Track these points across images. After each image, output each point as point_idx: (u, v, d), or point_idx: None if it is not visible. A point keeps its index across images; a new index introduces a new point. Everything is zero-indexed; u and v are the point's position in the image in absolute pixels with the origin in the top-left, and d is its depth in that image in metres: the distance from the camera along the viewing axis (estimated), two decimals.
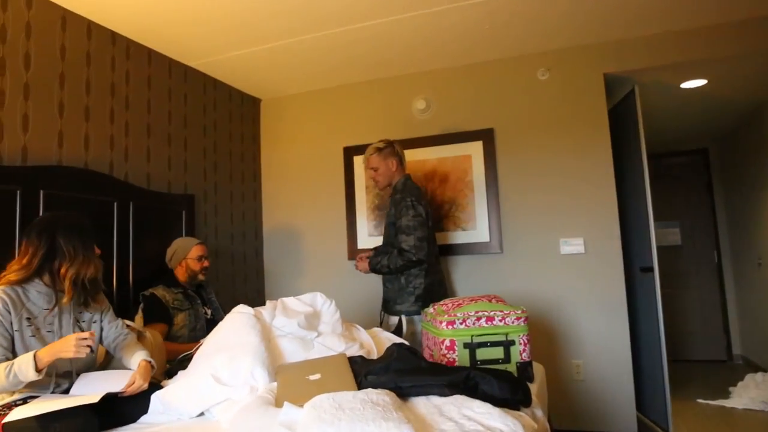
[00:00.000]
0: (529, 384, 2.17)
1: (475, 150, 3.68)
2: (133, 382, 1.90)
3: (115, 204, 2.88)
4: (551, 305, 3.48)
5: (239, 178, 4.08)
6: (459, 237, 3.68)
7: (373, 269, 3.06)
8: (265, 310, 2.17)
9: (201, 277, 3.03)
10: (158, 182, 3.28)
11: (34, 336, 1.89)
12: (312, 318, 2.23)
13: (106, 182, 2.86)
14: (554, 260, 3.49)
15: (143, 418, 1.86)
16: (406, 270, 2.96)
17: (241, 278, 3.99)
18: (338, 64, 3.72)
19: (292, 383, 1.70)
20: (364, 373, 1.72)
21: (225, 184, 3.91)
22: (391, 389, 1.63)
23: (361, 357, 1.91)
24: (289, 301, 2.32)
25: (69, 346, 1.75)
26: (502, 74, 3.70)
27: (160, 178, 3.30)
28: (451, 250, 3.68)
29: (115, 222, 2.88)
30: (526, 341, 2.25)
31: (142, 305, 2.86)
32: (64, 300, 1.95)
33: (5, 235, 2.32)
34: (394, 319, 3.02)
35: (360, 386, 1.66)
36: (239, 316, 2.06)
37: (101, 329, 2.13)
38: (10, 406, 1.80)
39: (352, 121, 4.08)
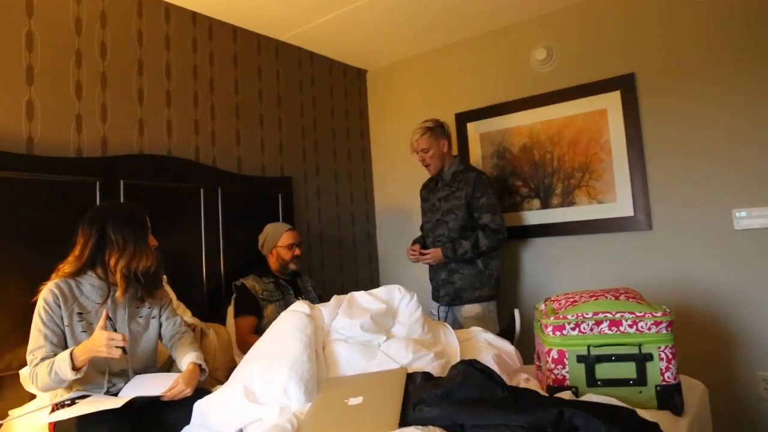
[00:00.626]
0: (677, 417, 1.55)
1: (611, 102, 2.94)
2: (176, 386, 1.71)
3: (202, 190, 2.77)
4: (720, 299, 2.64)
5: (345, 157, 3.81)
6: (594, 211, 2.98)
7: (452, 257, 2.74)
8: (325, 308, 1.84)
9: (292, 266, 2.81)
10: (250, 166, 3.12)
11: (85, 332, 1.78)
12: (383, 318, 1.84)
13: (190, 168, 2.75)
14: (725, 238, 2.63)
15: (185, 429, 1.65)
16: (493, 251, 2.78)
17: (350, 264, 3.74)
18: (444, 18, 3.21)
19: (325, 408, 1.34)
20: (417, 399, 1.29)
21: (328, 163, 3.67)
22: (445, 428, 1.18)
23: (424, 374, 1.47)
24: (360, 296, 1.95)
25: (100, 345, 1.60)
26: (644, 2, 2.88)
27: (252, 161, 3.15)
28: (584, 227, 3.00)
29: (203, 209, 2.77)
30: (670, 355, 1.61)
31: (234, 295, 2.73)
32: (117, 294, 1.82)
33: None
34: (474, 308, 2.76)
35: (406, 420, 1.24)
36: (289, 315, 1.75)
37: (159, 326, 1.99)
38: (62, 405, 1.72)
39: (463, 84, 3.55)
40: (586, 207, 3.01)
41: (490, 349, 1.92)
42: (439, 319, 3.00)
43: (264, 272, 2.81)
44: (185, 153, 2.79)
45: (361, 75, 4.03)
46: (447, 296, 2.88)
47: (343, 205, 3.75)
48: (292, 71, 3.45)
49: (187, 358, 1.85)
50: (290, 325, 1.68)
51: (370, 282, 3.89)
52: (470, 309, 2.81)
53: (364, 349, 1.68)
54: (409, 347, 1.65)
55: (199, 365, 1.84)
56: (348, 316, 1.78)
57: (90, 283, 1.84)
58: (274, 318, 2.59)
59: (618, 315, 1.65)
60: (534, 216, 3.18)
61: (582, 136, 3.03)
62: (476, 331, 2.10)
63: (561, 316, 1.69)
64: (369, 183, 4.01)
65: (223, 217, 2.87)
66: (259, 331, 2.61)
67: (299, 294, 2.89)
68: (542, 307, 1.97)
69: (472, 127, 3.46)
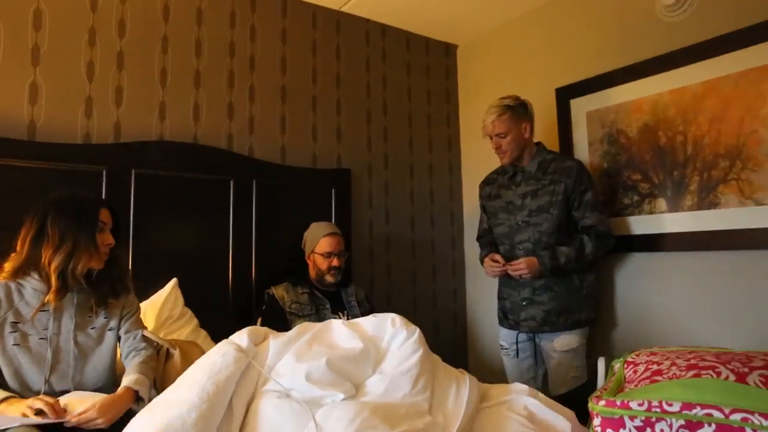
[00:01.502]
0: None
1: None
2: (87, 411, 1.36)
3: (232, 183, 2.43)
4: None
5: (424, 147, 3.23)
6: (749, 217, 2.03)
7: (552, 267, 2.14)
8: (276, 341, 1.32)
9: (329, 278, 2.36)
10: (297, 156, 2.71)
11: (18, 344, 1.52)
12: (354, 364, 1.27)
13: (218, 157, 2.42)
14: None
15: None
16: (596, 261, 2.29)
17: (427, 274, 3.15)
18: None
19: None
20: None
21: (402, 154, 3.12)
22: None
23: None
24: (336, 327, 1.41)
25: (18, 409, 1.37)
26: None
27: (301, 150, 2.73)
28: (731, 239, 2.06)
29: (231, 204, 2.43)
30: None
31: (264, 306, 2.35)
32: (49, 297, 1.53)
33: None
34: (572, 340, 2.21)
35: None
36: (217, 348, 1.27)
37: (118, 339, 1.66)
38: None
39: (566, 50, 2.75)
40: (735, 210, 2.06)
41: (522, 425, 1.24)
42: (517, 353, 2.33)
43: (301, 280, 2.39)
44: (215, 140, 2.46)
45: (449, 51, 3.41)
46: (532, 321, 2.26)
47: (419, 204, 3.18)
48: (356, 47, 2.97)
49: (125, 381, 1.50)
50: (205, 362, 1.20)
51: (454, 297, 3.26)
52: (567, 341, 2.23)
53: (301, 412, 1.12)
54: (356, 420, 1.05)
55: (136, 392, 1.47)
56: (297, 356, 1.24)
57: (32, 286, 1.57)
58: None
59: (736, 416, 0.88)
60: (657, 222, 2.30)
61: (732, 107, 2.09)
62: (518, 390, 1.41)
63: (621, 402, 0.96)
64: (456, 178, 3.37)
65: (258, 214, 2.50)
66: None
67: (340, 309, 2.41)
68: (616, 367, 1.23)
69: (576, 105, 2.65)
